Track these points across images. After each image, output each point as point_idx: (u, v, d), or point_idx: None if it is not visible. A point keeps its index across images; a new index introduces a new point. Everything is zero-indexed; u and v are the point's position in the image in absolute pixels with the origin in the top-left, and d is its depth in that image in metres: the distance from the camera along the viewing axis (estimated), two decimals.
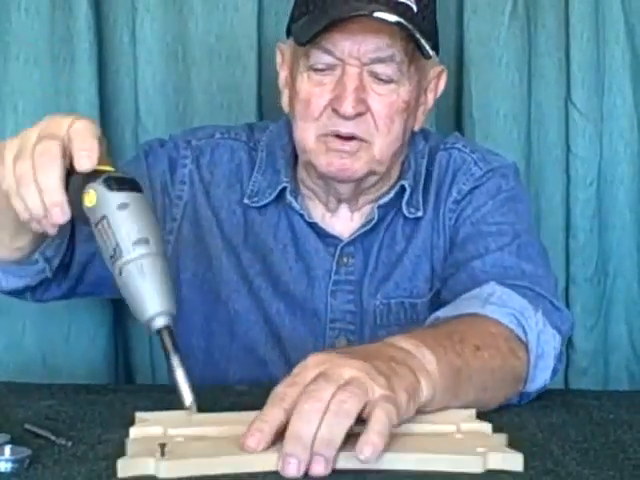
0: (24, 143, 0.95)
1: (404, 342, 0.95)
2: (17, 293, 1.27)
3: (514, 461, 0.82)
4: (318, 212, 1.34)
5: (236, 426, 0.87)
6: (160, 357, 1.60)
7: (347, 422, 0.80)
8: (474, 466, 0.81)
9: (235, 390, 1.15)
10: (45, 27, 1.62)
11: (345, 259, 1.33)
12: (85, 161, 0.92)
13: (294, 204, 1.31)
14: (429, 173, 1.35)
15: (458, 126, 1.72)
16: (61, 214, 0.92)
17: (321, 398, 0.81)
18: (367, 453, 0.79)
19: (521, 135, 1.73)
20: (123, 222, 0.88)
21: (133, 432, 0.87)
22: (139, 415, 0.92)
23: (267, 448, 0.81)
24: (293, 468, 0.79)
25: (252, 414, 0.86)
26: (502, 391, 1.06)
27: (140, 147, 1.43)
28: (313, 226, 1.32)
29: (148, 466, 0.79)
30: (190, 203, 1.35)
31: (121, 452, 0.84)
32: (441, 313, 1.14)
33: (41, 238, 1.10)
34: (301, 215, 1.32)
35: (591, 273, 1.73)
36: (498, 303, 1.13)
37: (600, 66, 1.72)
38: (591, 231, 1.73)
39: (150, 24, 1.64)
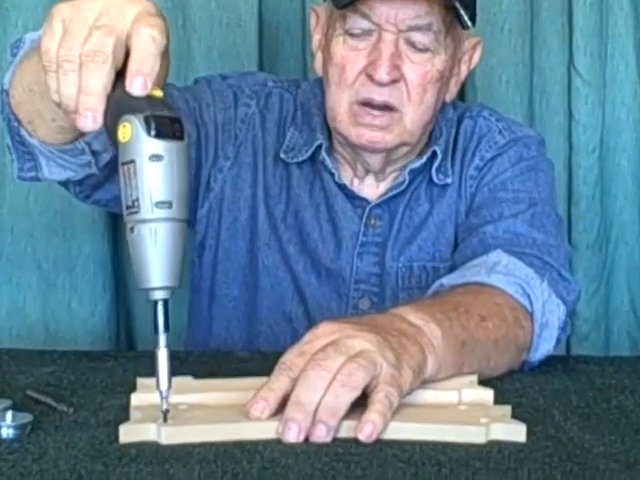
0: (80, 17, 0.81)
1: (413, 316, 0.94)
2: (61, 184, 1.19)
3: (517, 432, 0.81)
4: (347, 175, 1.34)
5: (238, 392, 0.86)
6: None
7: (353, 393, 0.80)
8: (477, 436, 0.80)
9: (236, 356, 1.15)
10: None
11: (373, 221, 1.32)
12: (138, 87, 0.79)
13: (327, 162, 1.30)
14: (455, 140, 1.34)
15: (460, 93, 1.71)
16: (91, 121, 0.80)
17: (329, 367, 0.80)
18: (367, 431, 0.78)
19: (523, 102, 1.72)
20: (150, 177, 0.78)
21: (135, 398, 0.87)
22: (141, 381, 0.91)
23: (272, 416, 0.80)
24: (293, 434, 0.78)
25: (253, 380, 0.86)
26: (505, 360, 1.06)
27: (198, 79, 1.39)
28: (342, 187, 1.32)
29: (150, 432, 0.79)
30: (244, 145, 1.34)
31: (123, 418, 0.83)
32: (446, 280, 1.13)
33: None
34: (332, 174, 1.31)
35: (593, 240, 1.72)
36: (504, 272, 1.12)
37: (603, 32, 1.70)
38: (593, 198, 1.72)
39: None
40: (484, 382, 0.95)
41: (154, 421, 0.80)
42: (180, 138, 0.79)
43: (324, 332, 0.86)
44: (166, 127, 0.79)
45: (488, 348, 1.01)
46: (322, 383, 0.79)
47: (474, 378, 0.95)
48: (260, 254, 1.33)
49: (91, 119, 0.80)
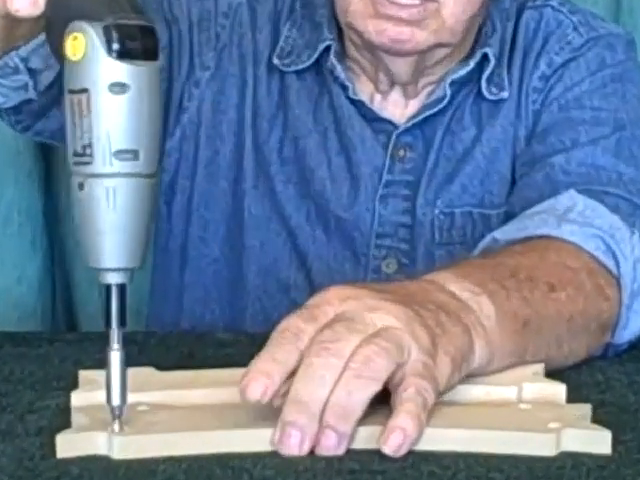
0: None
1: (456, 286, 0.93)
2: None
3: (599, 440, 0.81)
4: (365, 90, 1.33)
5: (216, 389, 0.87)
6: None
7: (371, 387, 0.78)
8: (543, 447, 0.80)
9: (214, 339, 1.15)
10: None
11: (402, 152, 1.33)
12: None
13: (338, 70, 1.30)
14: (513, 40, 1.34)
15: None
16: (30, 3, 0.78)
17: (339, 352, 0.79)
18: (396, 441, 0.77)
19: None
20: (111, 115, 0.75)
21: (76, 398, 0.87)
22: (84, 374, 0.92)
23: (263, 421, 0.80)
24: (294, 442, 0.77)
25: (237, 372, 0.86)
26: (583, 344, 1.06)
27: None
28: (358, 105, 1.32)
29: (98, 443, 0.79)
30: (227, 49, 1.35)
31: (59, 424, 0.84)
32: (500, 234, 1.13)
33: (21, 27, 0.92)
34: (344, 88, 1.30)
35: None
36: (580, 221, 1.12)
37: None
38: None
39: None
40: (554, 373, 0.95)
41: (103, 428, 0.80)
42: (152, 57, 0.76)
43: (336, 296, 0.84)
44: (134, 41, 0.75)
45: (559, 328, 1.01)
46: (331, 374, 0.78)
47: (540, 368, 0.95)
48: (246, 200, 1.33)
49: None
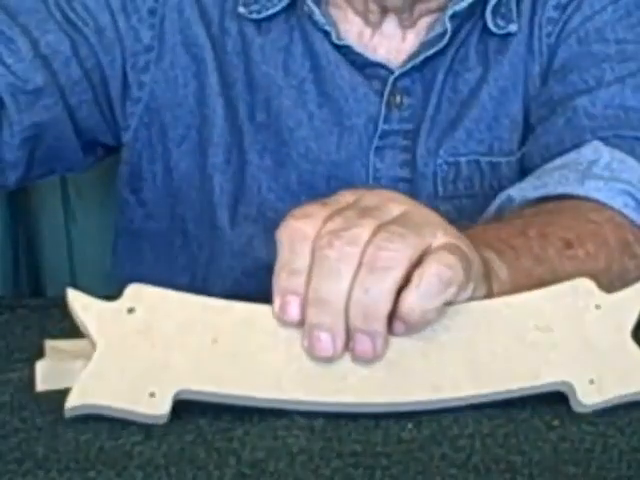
0: None
1: (462, 243, 0.92)
2: None
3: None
4: (352, 29, 1.33)
5: None
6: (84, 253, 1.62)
7: (389, 278, 0.76)
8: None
9: None
10: None
11: (398, 98, 1.31)
12: None
13: (316, 15, 1.28)
14: None
15: None
16: None
17: (353, 239, 0.77)
18: (409, 318, 0.77)
19: None
20: None
21: (42, 367, 0.87)
22: (50, 344, 0.91)
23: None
24: (326, 345, 0.77)
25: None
26: None
27: None
28: (345, 51, 1.31)
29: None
30: (168, 21, 1.34)
31: (22, 400, 0.84)
32: (516, 191, 1.13)
33: None
34: (326, 33, 1.29)
35: None
36: (605, 176, 1.12)
37: None
38: None
39: None
40: None
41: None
42: None
43: (350, 191, 0.82)
44: None
45: None
46: (347, 265, 0.77)
47: None
48: (216, 176, 1.34)
49: None
